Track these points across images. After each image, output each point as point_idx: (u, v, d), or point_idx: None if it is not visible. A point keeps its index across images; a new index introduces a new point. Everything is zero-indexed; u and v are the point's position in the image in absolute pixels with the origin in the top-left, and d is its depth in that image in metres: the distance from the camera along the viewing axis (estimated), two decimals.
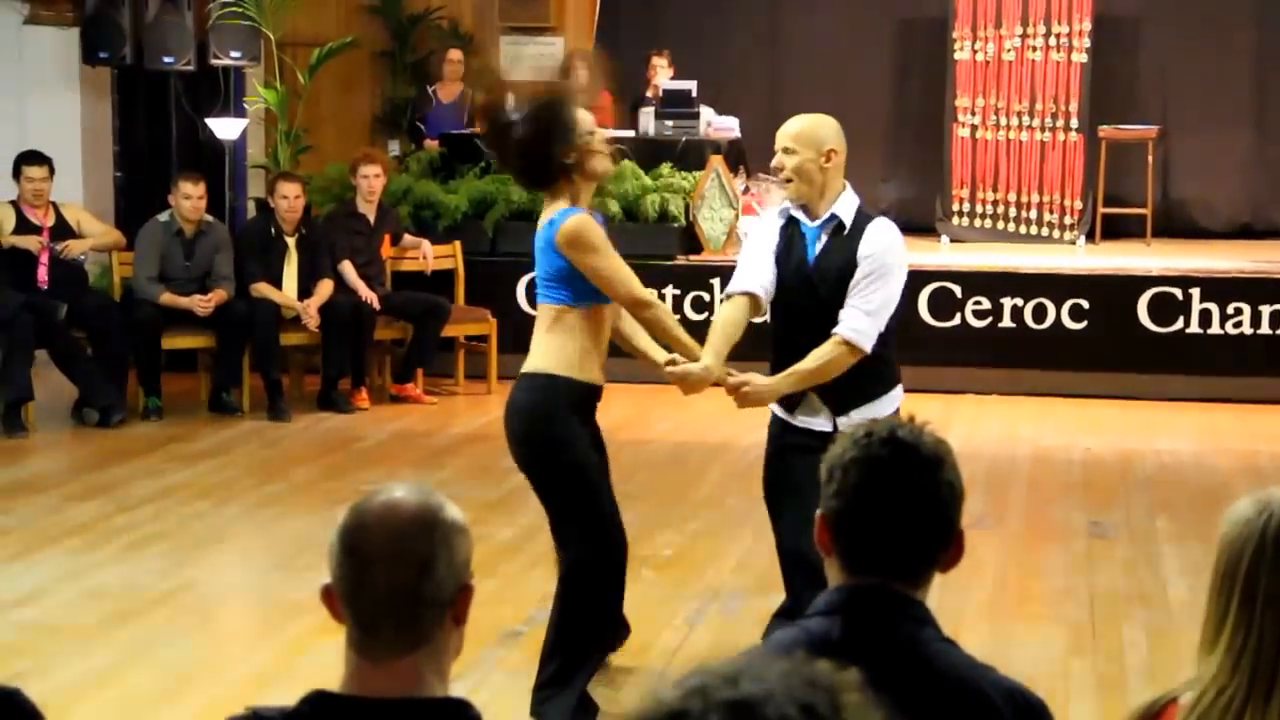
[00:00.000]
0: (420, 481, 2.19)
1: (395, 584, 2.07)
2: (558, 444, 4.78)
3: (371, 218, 9.98)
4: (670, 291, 10.25)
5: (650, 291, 4.85)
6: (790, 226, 4.80)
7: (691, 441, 8.79)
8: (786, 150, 4.75)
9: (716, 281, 10.20)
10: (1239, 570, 2.24)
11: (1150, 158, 11.88)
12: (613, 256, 4.78)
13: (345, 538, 2.12)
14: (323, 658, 4.66)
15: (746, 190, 10.84)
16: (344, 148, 11.25)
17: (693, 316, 10.24)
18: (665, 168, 10.79)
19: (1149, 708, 2.31)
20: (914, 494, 2.25)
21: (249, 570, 6.79)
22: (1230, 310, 9.77)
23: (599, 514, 4.82)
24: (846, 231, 4.74)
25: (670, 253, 10.50)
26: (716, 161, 10.66)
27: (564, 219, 4.72)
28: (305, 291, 9.58)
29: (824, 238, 4.77)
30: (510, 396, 4.86)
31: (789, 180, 4.77)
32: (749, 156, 11.38)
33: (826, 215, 4.77)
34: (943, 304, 10.11)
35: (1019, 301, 10.01)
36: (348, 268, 9.73)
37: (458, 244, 10.40)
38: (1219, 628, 2.26)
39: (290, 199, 9.58)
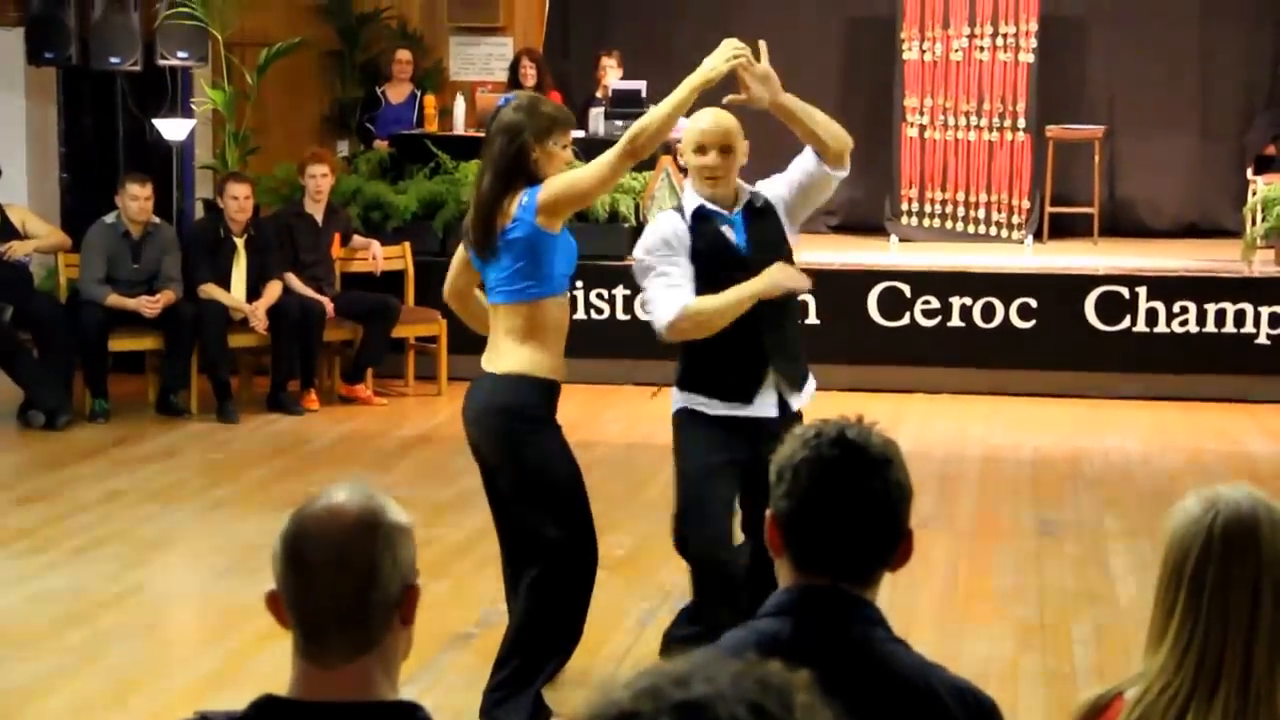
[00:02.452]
0: (361, 483, 2.17)
1: (340, 591, 2.07)
2: (543, 444, 4.73)
3: (320, 218, 9.94)
4: (620, 292, 10.25)
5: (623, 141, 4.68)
6: (702, 223, 4.78)
7: (642, 442, 8.78)
8: (726, 149, 4.76)
9: None
10: (1185, 568, 2.26)
11: (1097, 157, 11.97)
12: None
13: (287, 545, 2.11)
14: (273, 661, 4.63)
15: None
16: (293, 148, 11.19)
17: (643, 316, 10.21)
18: None
19: (1095, 702, 2.33)
20: (863, 494, 2.25)
21: (198, 573, 6.75)
22: (1176, 309, 9.85)
23: (582, 517, 4.78)
24: (761, 204, 4.85)
25: (620, 253, 10.46)
26: (666, 162, 10.67)
27: (533, 193, 4.66)
28: (254, 293, 9.52)
29: (748, 221, 4.80)
30: (484, 397, 4.75)
31: (719, 178, 4.77)
32: None
33: (746, 199, 4.82)
34: (892, 303, 10.15)
35: (968, 301, 10.06)
36: (292, 279, 9.66)
37: (407, 245, 10.37)
38: (1165, 624, 2.28)
39: (239, 200, 9.53)
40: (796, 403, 4.83)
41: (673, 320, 4.65)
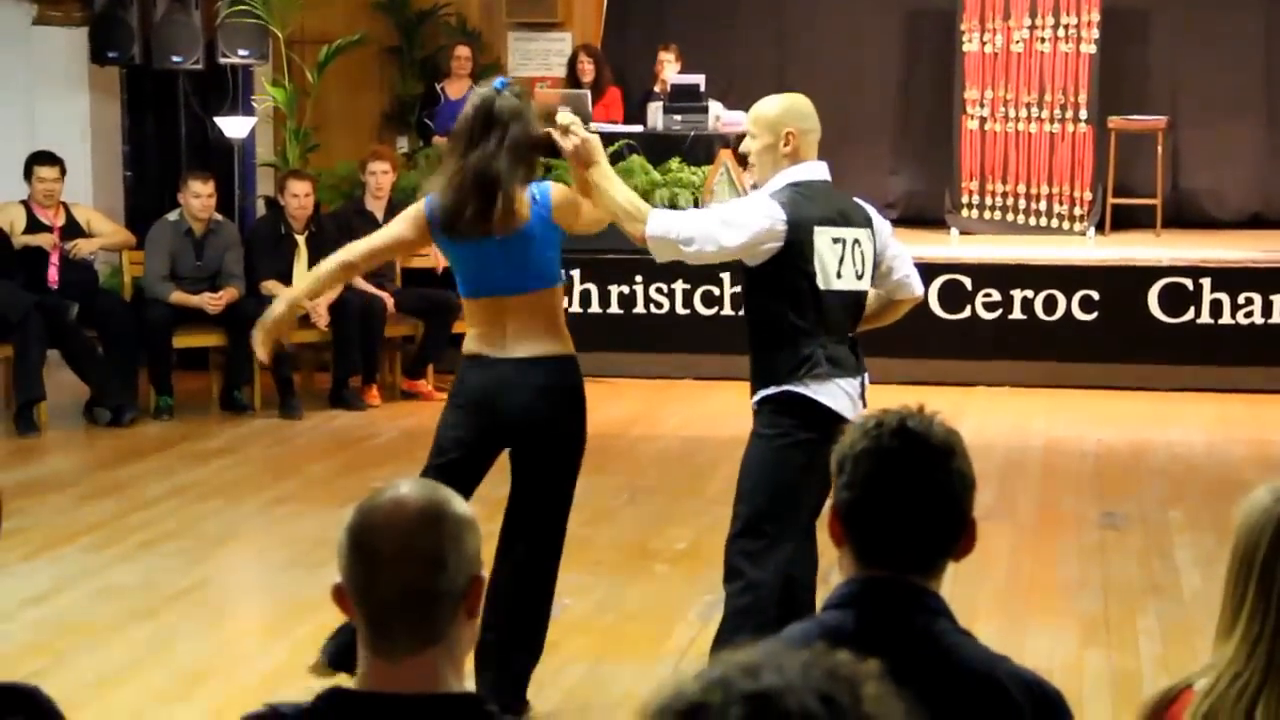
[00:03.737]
0: (423, 479, 2.18)
1: (406, 583, 2.07)
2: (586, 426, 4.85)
3: (380, 215, 9.97)
4: (680, 286, 10.25)
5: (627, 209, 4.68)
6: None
7: (703, 436, 8.78)
8: (746, 135, 4.79)
9: (726, 276, 10.19)
10: (1256, 558, 2.24)
11: (1159, 148, 11.86)
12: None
13: (353, 537, 2.12)
14: None
15: (755, 185, 10.82)
16: (353, 145, 11.25)
17: (702, 311, 10.23)
18: (674, 162, 10.78)
19: (1165, 695, 2.31)
20: (925, 485, 2.24)
21: (263, 568, 6.81)
22: (1241, 300, 9.75)
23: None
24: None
25: None
26: (725, 155, 10.65)
27: (546, 190, 4.70)
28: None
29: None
30: (558, 378, 4.75)
31: (749, 164, 4.80)
32: None
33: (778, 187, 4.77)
34: (953, 296, 10.10)
35: (1029, 293, 10.00)
36: (357, 279, 9.71)
37: None
38: (1235, 615, 2.26)
39: (300, 197, 9.60)
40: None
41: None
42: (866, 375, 4.60)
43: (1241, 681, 2.21)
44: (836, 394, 4.48)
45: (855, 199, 4.73)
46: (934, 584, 2.29)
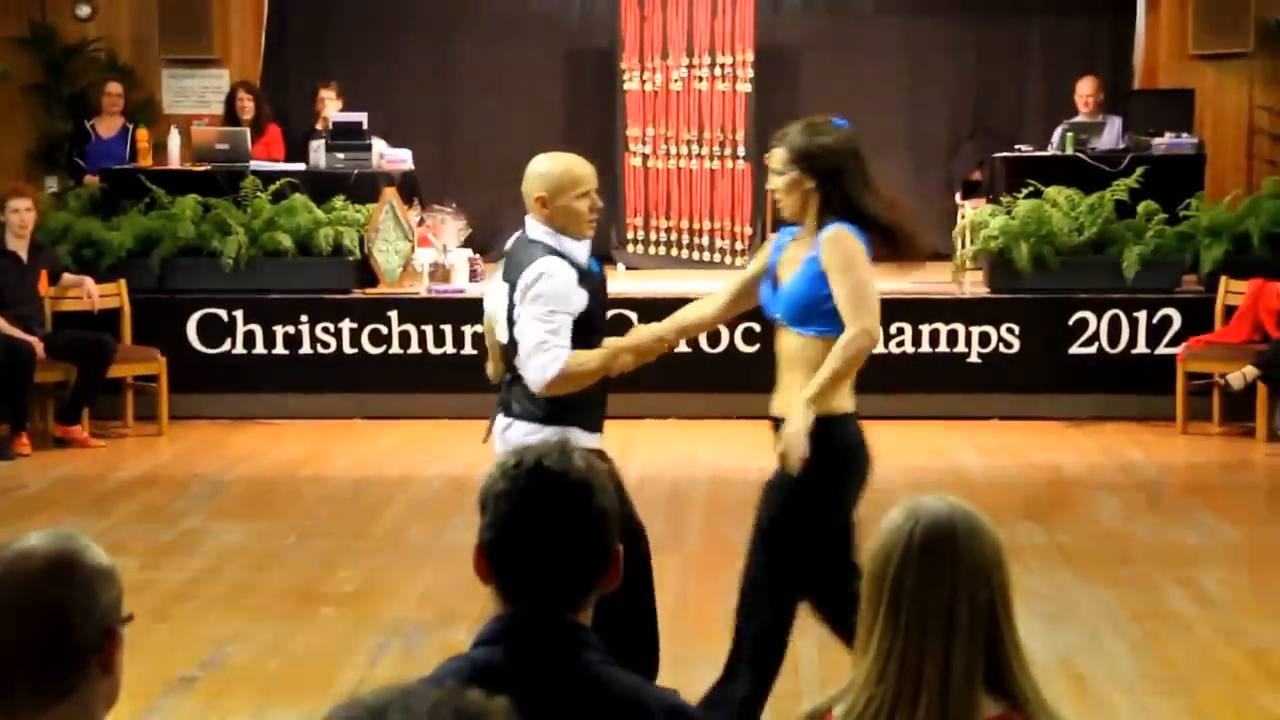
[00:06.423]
0: (63, 529, 2.10)
1: (26, 635, 1.99)
2: None
3: (24, 255, 9.57)
4: (347, 325, 10.13)
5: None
6: (587, 276, 4.88)
7: (372, 476, 8.69)
8: (598, 191, 4.88)
9: (394, 314, 10.12)
10: (887, 574, 2.32)
11: None
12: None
13: None
14: None
15: (421, 222, 10.79)
16: None
17: (370, 350, 10.13)
18: (338, 200, 10.66)
19: (809, 717, 2.36)
20: (562, 522, 2.28)
21: None
22: (893, 330, 10.12)
23: None
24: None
25: (346, 286, 10.38)
26: (390, 194, 10.59)
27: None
28: None
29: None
30: None
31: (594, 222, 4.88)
32: (422, 188, 11.34)
33: None
34: (621, 331, 10.19)
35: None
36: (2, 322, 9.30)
37: (123, 282, 10.07)
38: (869, 632, 2.33)
39: None
40: None
41: (555, 376, 4.50)
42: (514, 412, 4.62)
43: (876, 702, 2.28)
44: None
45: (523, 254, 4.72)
46: (583, 616, 2.32)
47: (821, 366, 4.39)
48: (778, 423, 4.50)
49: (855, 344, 4.38)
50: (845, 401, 4.54)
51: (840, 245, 4.48)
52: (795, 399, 4.40)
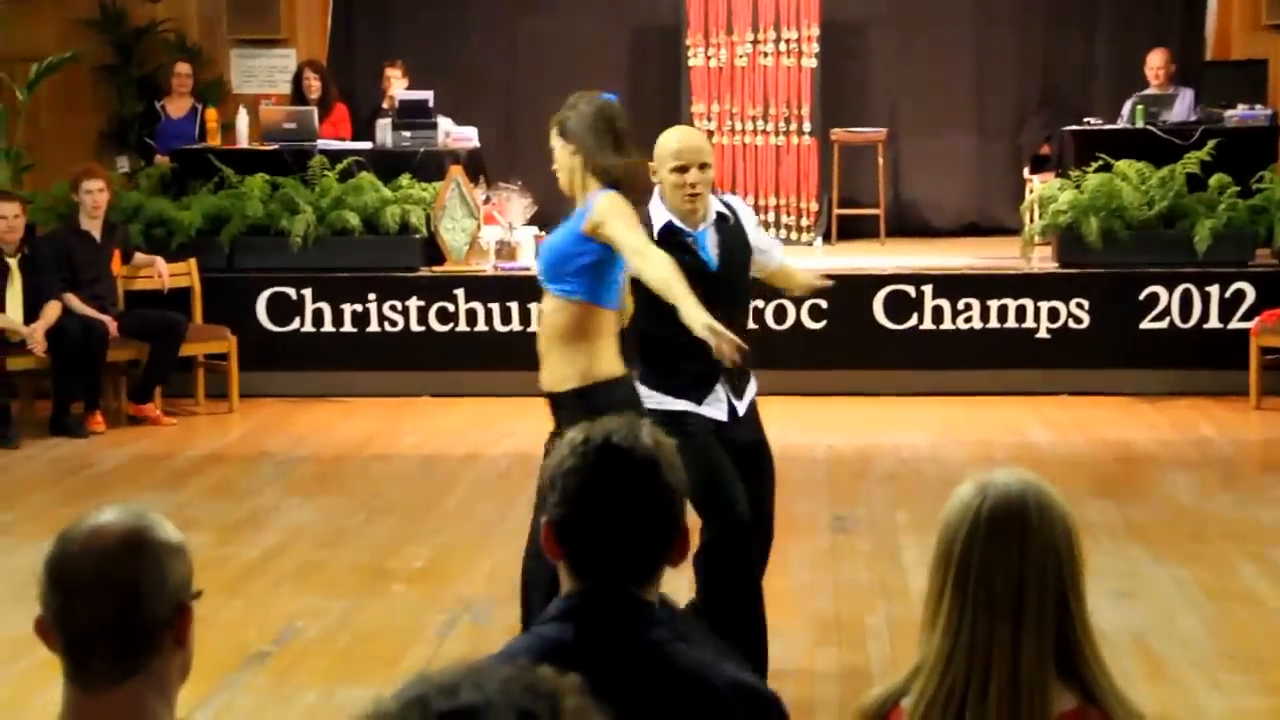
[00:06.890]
0: (134, 504, 2.12)
1: (101, 611, 2.01)
2: None
3: (98, 235, 9.68)
4: (414, 303, 10.17)
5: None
6: (670, 239, 4.82)
7: (439, 453, 8.73)
8: (704, 165, 4.84)
9: (460, 292, 10.15)
10: (954, 550, 2.29)
11: (880, 160, 12.20)
12: None
13: (50, 567, 2.06)
14: (59, 693, 4.49)
15: (487, 200, 10.81)
16: (71, 166, 10.88)
17: (437, 328, 10.17)
18: (404, 179, 10.70)
19: (878, 709, 2.34)
20: (631, 498, 2.28)
21: None
22: (961, 306, 10.07)
23: None
24: (732, 221, 4.96)
25: (413, 264, 10.42)
26: (456, 172, 10.61)
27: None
28: (33, 315, 9.24)
29: (718, 236, 4.91)
30: None
31: (699, 194, 4.83)
32: (488, 165, 11.36)
33: (713, 214, 4.91)
34: None
35: (759, 304, 10.15)
36: (72, 299, 9.39)
37: (193, 261, 10.15)
38: (937, 607, 2.31)
39: (9, 219, 9.24)
40: (741, 407, 5.01)
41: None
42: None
43: (945, 691, 2.25)
44: None
45: None
46: (651, 592, 2.32)
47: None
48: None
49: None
50: (612, 366, 4.70)
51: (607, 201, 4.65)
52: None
